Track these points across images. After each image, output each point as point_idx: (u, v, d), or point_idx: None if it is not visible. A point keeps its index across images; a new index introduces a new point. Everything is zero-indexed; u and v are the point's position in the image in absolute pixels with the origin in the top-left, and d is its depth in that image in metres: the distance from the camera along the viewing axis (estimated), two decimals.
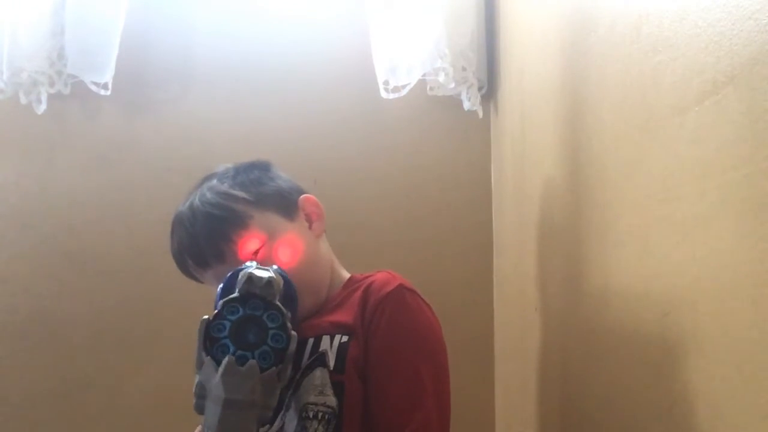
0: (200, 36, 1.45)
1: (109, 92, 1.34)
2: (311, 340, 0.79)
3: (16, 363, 1.34)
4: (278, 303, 0.68)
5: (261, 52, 1.44)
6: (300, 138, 1.41)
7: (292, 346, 0.67)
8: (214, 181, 0.86)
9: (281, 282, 0.71)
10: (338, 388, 0.76)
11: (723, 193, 0.49)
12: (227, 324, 0.67)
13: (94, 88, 1.33)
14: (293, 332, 0.68)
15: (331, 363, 0.77)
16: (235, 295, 0.68)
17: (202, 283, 0.86)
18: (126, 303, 1.36)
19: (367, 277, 0.86)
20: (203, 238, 0.81)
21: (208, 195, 0.83)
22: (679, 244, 0.56)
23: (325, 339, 0.78)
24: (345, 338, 0.78)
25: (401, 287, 0.80)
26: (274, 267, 0.74)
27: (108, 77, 1.33)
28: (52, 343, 1.35)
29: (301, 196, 0.89)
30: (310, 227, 0.88)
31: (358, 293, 0.82)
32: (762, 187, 0.44)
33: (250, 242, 0.81)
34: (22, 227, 1.37)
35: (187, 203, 0.85)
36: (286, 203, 0.87)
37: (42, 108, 1.33)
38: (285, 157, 1.43)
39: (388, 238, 1.40)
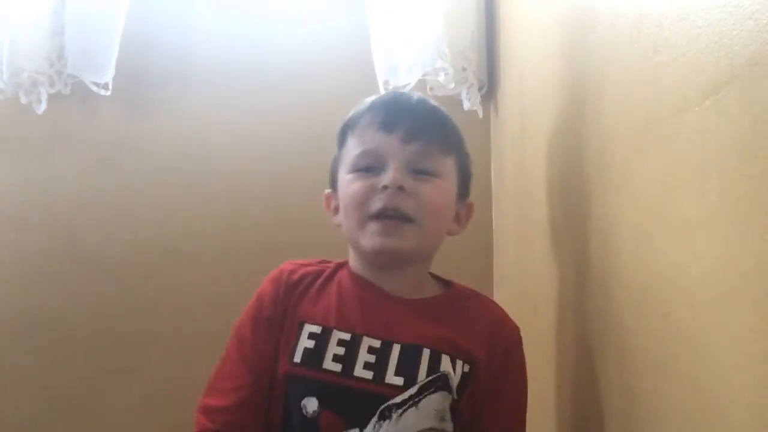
0: (200, 36, 1.45)
1: (109, 92, 1.34)
2: (427, 352, 0.76)
3: (17, 363, 1.34)
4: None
5: (261, 52, 1.44)
6: (299, 138, 1.41)
7: None
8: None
9: None
10: (455, 416, 0.75)
11: (723, 193, 0.49)
12: None
13: (94, 88, 1.33)
14: None
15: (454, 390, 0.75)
16: None
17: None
18: (126, 303, 1.36)
19: (475, 298, 0.86)
20: (448, 124, 0.86)
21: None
22: (679, 244, 0.56)
23: (445, 360, 0.75)
24: (467, 367, 0.77)
25: (517, 328, 0.84)
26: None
27: (108, 77, 1.33)
28: (52, 343, 1.35)
29: (471, 199, 0.91)
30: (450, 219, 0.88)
31: (484, 326, 0.81)
32: (762, 187, 0.44)
33: (440, 162, 0.83)
34: (22, 227, 1.37)
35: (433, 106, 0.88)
36: (464, 186, 0.89)
37: (42, 108, 1.33)
38: (285, 157, 1.45)
39: None
